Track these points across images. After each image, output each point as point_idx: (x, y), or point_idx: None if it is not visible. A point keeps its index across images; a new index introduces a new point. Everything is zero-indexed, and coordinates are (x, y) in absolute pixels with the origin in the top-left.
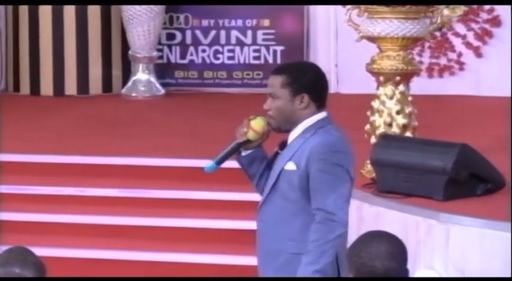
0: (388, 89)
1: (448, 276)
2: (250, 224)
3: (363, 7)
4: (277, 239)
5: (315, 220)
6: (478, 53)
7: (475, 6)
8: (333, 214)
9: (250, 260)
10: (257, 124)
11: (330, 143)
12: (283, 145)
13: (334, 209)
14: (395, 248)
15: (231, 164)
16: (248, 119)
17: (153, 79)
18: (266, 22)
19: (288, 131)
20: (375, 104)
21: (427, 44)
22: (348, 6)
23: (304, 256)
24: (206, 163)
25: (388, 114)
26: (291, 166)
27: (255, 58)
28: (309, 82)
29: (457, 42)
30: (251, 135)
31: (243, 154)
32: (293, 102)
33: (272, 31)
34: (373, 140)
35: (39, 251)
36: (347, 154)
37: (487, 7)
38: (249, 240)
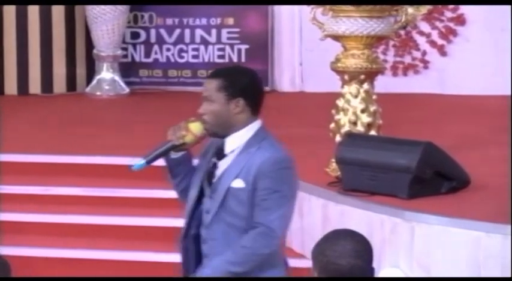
0: (353, 87)
1: (413, 274)
2: None
3: (328, 6)
4: None
5: (254, 229)
6: (442, 52)
7: (439, 6)
8: (274, 231)
9: None
10: (196, 128)
11: (279, 159)
12: (219, 154)
13: (276, 228)
14: (361, 246)
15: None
16: (187, 122)
17: (117, 78)
18: (230, 21)
19: (224, 136)
20: (340, 102)
21: (391, 43)
22: (313, 5)
23: (228, 252)
24: (135, 161)
25: (353, 112)
26: (238, 184)
27: (220, 57)
28: (245, 87)
29: (421, 40)
30: (189, 138)
31: (173, 156)
32: (228, 107)
33: (236, 30)
34: (338, 138)
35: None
36: (293, 169)
37: (451, 6)
38: None
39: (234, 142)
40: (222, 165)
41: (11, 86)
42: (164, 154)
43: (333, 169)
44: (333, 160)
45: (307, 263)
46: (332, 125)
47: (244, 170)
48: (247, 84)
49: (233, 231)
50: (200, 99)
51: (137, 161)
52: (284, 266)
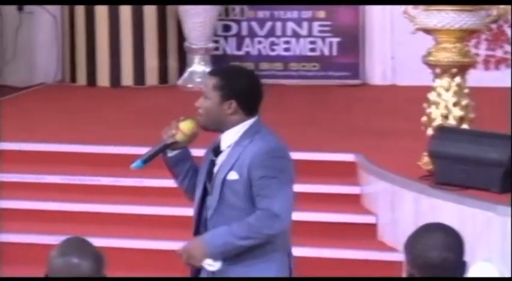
0: (445, 81)
1: (506, 268)
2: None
3: None
4: None
5: (261, 211)
6: None
7: None
8: (277, 215)
9: None
10: (186, 126)
11: (270, 149)
12: (216, 151)
13: (279, 212)
14: (452, 239)
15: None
16: (177, 121)
17: (209, 70)
18: (322, 14)
19: (215, 130)
20: (432, 96)
21: (483, 36)
22: None
23: (234, 224)
24: (134, 162)
25: (444, 106)
26: (233, 176)
27: (311, 50)
28: (240, 89)
29: None
30: (179, 137)
31: (170, 154)
32: (221, 106)
33: (328, 23)
34: (429, 132)
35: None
36: (287, 159)
37: None
38: None
39: (229, 138)
40: (219, 161)
41: (103, 78)
42: (158, 153)
43: (425, 162)
44: (425, 154)
45: (398, 256)
46: (424, 119)
47: (238, 162)
48: (243, 87)
49: (232, 223)
50: (291, 92)
51: (135, 162)
52: (285, 256)
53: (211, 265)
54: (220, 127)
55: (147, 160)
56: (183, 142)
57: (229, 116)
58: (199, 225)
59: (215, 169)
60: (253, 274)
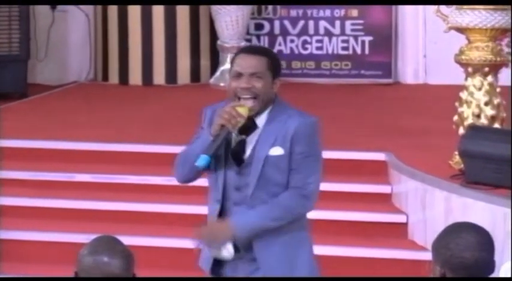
0: (477, 80)
1: None
2: None
3: None
4: None
5: (294, 189)
6: None
7: None
8: (310, 194)
9: None
10: (244, 111)
11: (312, 123)
12: (247, 130)
13: (312, 192)
14: (484, 238)
15: None
16: (234, 107)
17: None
18: (354, 12)
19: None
20: (463, 95)
21: None
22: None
23: (263, 207)
24: (199, 160)
25: (476, 105)
26: (277, 151)
27: (344, 48)
28: (280, 69)
29: None
30: (240, 123)
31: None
32: (272, 85)
33: (360, 22)
34: (461, 131)
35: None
36: (320, 133)
37: None
38: None
39: (263, 116)
40: (250, 140)
41: (135, 77)
42: (223, 143)
43: (456, 161)
44: (456, 153)
45: (429, 255)
46: (455, 118)
47: (279, 137)
48: (280, 66)
49: (273, 198)
50: (323, 91)
51: (200, 159)
52: (310, 234)
53: (229, 252)
54: (266, 107)
55: (215, 152)
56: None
57: (273, 95)
58: (224, 204)
59: (248, 148)
60: (291, 253)
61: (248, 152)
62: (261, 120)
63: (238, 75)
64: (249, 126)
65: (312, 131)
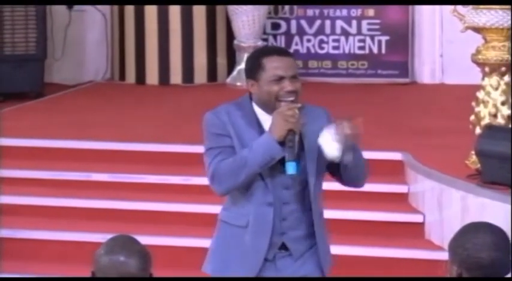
0: (493, 79)
1: None
2: None
3: None
4: (321, 220)
5: None
6: None
7: None
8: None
9: None
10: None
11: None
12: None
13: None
14: (500, 238)
15: None
16: (294, 109)
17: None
18: (371, 12)
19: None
20: (480, 94)
21: None
22: None
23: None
24: (289, 168)
25: (493, 105)
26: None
27: (360, 48)
28: None
29: None
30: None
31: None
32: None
33: (377, 21)
34: (478, 131)
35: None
36: None
37: None
38: None
39: None
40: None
41: (152, 76)
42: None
43: (473, 161)
44: (473, 152)
45: (446, 255)
46: (472, 117)
47: (319, 127)
48: None
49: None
50: (340, 90)
51: (290, 167)
52: None
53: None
54: None
55: (295, 156)
56: None
57: None
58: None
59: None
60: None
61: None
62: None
63: (280, 78)
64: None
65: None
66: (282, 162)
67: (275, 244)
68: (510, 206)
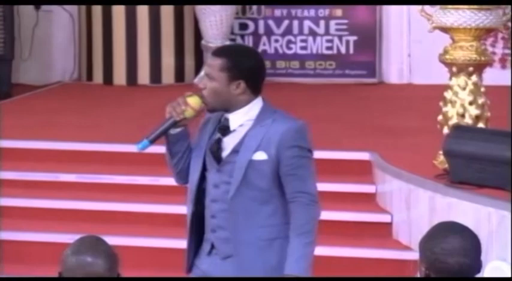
0: (461, 79)
1: None
2: None
3: None
4: (248, 228)
5: (301, 202)
6: None
7: None
8: (315, 197)
9: None
10: (195, 102)
11: (299, 128)
12: (223, 130)
13: (315, 193)
14: (470, 243)
15: None
16: (185, 97)
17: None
18: (339, 12)
19: (223, 111)
20: (448, 94)
21: (500, 35)
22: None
23: (301, 236)
24: (139, 143)
25: (460, 105)
26: (260, 156)
27: (328, 48)
28: (248, 70)
29: None
30: (189, 113)
31: (172, 132)
32: (229, 87)
33: (345, 21)
34: (445, 130)
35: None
36: (308, 133)
37: None
38: None
39: (239, 119)
40: (229, 141)
41: (120, 76)
42: (166, 131)
43: (441, 161)
44: (441, 152)
45: (413, 255)
46: (440, 117)
47: (264, 142)
48: (250, 67)
49: (253, 204)
50: (308, 91)
51: (141, 142)
52: None
53: None
54: (228, 107)
55: (155, 138)
56: (191, 118)
57: (238, 96)
58: (197, 203)
59: (224, 147)
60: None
61: (228, 151)
62: (238, 123)
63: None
64: (226, 126)
65: (299, 135)
66: (218, 159)
67: (208, 240)
68: (510, 212)
